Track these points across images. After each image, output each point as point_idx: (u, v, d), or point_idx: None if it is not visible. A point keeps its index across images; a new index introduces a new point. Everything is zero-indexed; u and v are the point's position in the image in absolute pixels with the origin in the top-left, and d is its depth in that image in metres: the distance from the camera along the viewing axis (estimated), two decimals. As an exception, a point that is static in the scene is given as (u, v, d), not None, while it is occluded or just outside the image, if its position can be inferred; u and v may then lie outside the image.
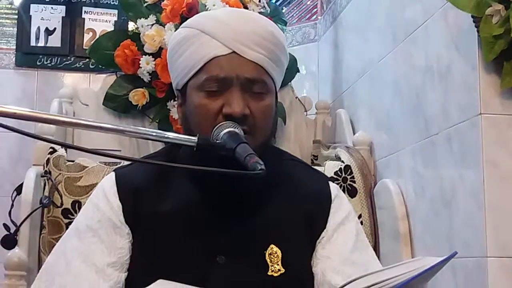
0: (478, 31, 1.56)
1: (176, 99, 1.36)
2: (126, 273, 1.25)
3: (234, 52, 1.24)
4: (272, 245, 1.25)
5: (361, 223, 2.11)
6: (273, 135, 1.33)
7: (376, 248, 2.12)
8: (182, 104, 1.31)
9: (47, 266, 1.28)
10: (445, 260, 0.93)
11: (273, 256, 1.24)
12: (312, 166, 1.47)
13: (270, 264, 1.24)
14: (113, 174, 1.33)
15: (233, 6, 2.33)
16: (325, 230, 1.29)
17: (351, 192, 2.17)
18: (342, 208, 1.33)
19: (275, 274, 1.23)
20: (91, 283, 1.21)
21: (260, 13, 2.46)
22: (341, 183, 2.17)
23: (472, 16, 1.58)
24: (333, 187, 1.36)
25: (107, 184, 1.31)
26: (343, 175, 2.19)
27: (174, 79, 1.33)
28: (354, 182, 2.18)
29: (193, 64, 1.26)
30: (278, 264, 1.24)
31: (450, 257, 0.93)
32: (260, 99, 1.26)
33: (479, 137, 1.58)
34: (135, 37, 2.42)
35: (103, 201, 1.28)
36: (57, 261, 1.26)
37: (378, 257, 2.08)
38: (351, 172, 2.19)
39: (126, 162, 1.43)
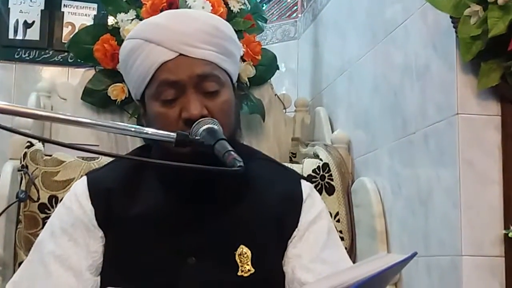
0: (456, 32, 1.58)
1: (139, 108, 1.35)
2: (99, 277, 1.25)
3: (181, 54, 1.23)
4: (241, 246, 1.24)
5: (338, 221, 2.13)
6: (238, 128, 1.32)
7: (352, 245, 2.13)
8: (144, 114, 1.30)
9: (25, 272, 1.27)
10: (406, 259, 0.93)
11: (243, 256, 1.24)
12: (286, 165, 1.46)
13: (240, 264, 1.23)
14: (85, 178, 1.33)
15: (214, 3, 2.33)
16: (296, 230, 1.29)
17: (329, 190, 2.18)
18: (314, 207, 1.32)
19: (245, 275, 1.23)
20: (71, 287, 1.21)
21: (240, 10, 2.46)
22: (319, 181, 2.18)
23: (451, 17, 1.60)
24: (305, 186, 1.35)
25: (79, 188, 1.30)
26: (321, 173, 2.20)
27: (132, 90, 1.33)
28: (332, 180, 2.19)
29: (145, 74, 1.25)
30: (248, 265, 1.23)
31: (411, 257, 0.93)
32: (216, 97, 1.24)
33: (456, 137, 1.60)
34: (115, 31, 2.41)
35: (76, 205, 1.28)
36: (35, 266, 1.25)
37: (355, 254, 2.11)
38: (329, 170, 2.20)
39: (104, 158, 1.42)
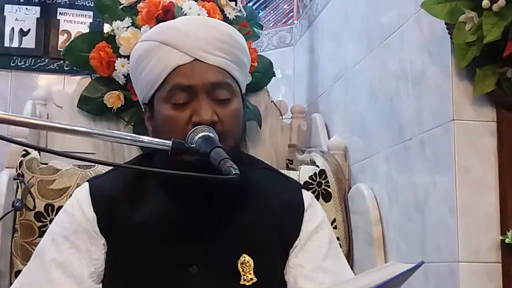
0: (451, 38, 1.58)
1: (144, 112, 1.35)
2: (100, 285, 1.25)
3: (196, 59, 1.23)
4: (244, 254, 1.24)
5: (335, 227, 2.13)
6: (243, 138, 1.33)
7: (350, 252, 2.13)
8: (151, 117, 1.30)
9: (26, 279, 1.26)
10: (413, 268, 0.93)
11: (245, 265, 1.24)
12: (286, 174, 1.46)
13: (242, 273, 1.23)
14: (87, 184, 1.32)
15: (209, 10, 2.34)
16: (298, 239, 1.29)
17: (326, 197, 2.18)
18: (316, 217, 1.33)
19: (248, 283, 1.23)
20: None
21: (236, 17, 2.47)
22: (316, 187, 2.18)
23: (446, 23, 1.60)
24: (307, 196, 1.36)
25: (81, 194, 1.30)
26: (318, 179, 2.19)
27: (140, 94, 1.32)
28: (329, 186, 2.19)
29: (157, 76, 1.25)
30: (250, 273, 1.23)
31: (417, 266, 0.93)
32: (226, 105, 1.25)
33: (452, 143, 1.60)
34: (111, 39, 2.41)
35: (78, 212, 1.27)
36: (36, 273, 1.25)
37: (352, 261, 2.11)
38: (326, 177, 2.20)
39: (100, 166, 1.41)
